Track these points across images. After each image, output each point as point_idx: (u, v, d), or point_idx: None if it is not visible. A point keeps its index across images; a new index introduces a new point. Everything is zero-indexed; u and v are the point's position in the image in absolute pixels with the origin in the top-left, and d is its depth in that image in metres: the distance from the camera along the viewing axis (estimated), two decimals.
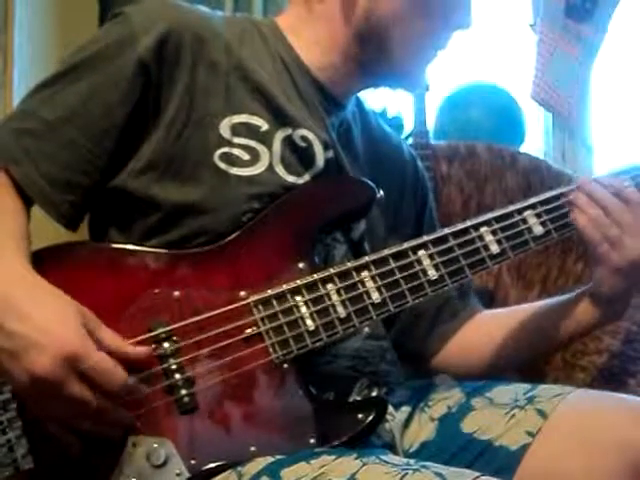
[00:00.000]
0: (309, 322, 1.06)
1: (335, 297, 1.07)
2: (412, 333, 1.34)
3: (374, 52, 1.19)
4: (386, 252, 1.11)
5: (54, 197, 1.09)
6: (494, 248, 1.14)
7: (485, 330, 1.33)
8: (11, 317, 0.94)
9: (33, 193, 1.09)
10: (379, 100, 2.18)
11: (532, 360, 1.31)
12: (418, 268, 1.11)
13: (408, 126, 2.18)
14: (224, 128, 1.12)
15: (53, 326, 0.94)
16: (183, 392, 1.01)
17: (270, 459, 0.98)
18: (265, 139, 1.14)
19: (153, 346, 1.02)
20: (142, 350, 1.00)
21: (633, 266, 1.15)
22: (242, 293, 1.06)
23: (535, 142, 2.39)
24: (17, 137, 1.09)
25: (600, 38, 2.22)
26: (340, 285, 1.08)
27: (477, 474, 0.89)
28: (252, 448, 1.00)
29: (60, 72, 1.11)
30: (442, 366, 1.35)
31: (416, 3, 1.16)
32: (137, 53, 1.08)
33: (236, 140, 1.13)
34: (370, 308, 1.08)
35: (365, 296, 1.08)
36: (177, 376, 1.01)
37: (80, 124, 1.09)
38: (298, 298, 1.06)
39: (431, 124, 2.23)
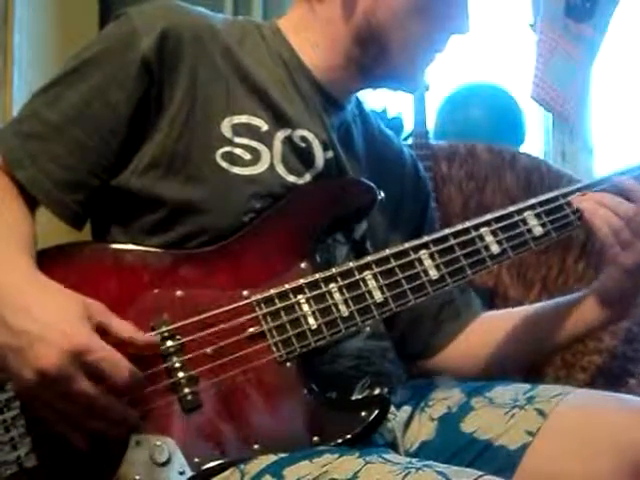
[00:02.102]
0: (311, 321, 1.06)
1: (337, 296, 1.08)
2: (415, 333, 1.34)
3: (374, 54, 1.20)
4: (387, 252, 1.11)
5: (61, 198, 1.10)
6: (494, 248, 1.14)
7: (489, 331, 1.34)
8: (16, 314, 0.95)
9: (40, 196, 1.09)
10: (379, 100, 2.18)
11: (534, 361, 1.31)
12: (419, 268, 1.11)
13: (408, 126, 2.18)
14: (225, 128, 1.13)
15: (58, 322, 0.94)
16: (186, 390, 1.01)
17: (273, 457, 0.98)
18: (265, 139, 1.15)
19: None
20: (151, 338, 1.00)
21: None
22: (244, 292, 1.06)
23: (535, 142, 2.40)
24: (22, 140, 1.10)
25: (600, 38, 2.22)
26: (342, 284, 1.08)
27: (480, 473, 0.89)
28: (255, 446, 1.00)
29: (63, 73, 1.12)
30: (443, 366, 1.35)
31: (415, 6, 1.17)
32: (140, 52, 1.09)
33: (237, 140, 1.13)
34: (372, 307, 1.08)
35: (367, 295, 1.08)
36: (180, 374, 1.02)
37: (85, 124, 1.09)
38: (300, 297, 1.07)
39: (431, 124, 2.23)
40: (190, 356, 1.02)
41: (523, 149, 2.20)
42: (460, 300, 1.36)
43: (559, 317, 1.27)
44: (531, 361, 1.31)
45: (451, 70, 2.26)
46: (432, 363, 1.36)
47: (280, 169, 1.15)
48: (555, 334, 1.27)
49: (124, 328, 0.99)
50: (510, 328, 1.31)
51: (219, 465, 0.99)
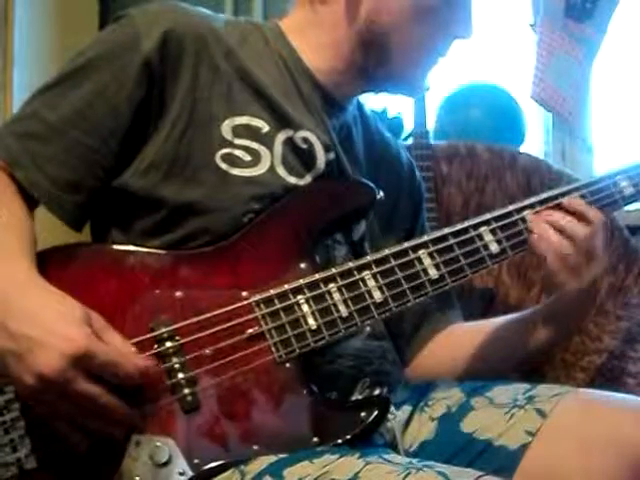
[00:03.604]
0: (311, 321, 1.06)
1: (337, 296, 1.08)
2: (395, 340, 1.32)
3: (375, 57, 1.20)
4: (387, 251, 1.11)
5: (60, 199, 1.10)
6: (493, 247, 1.15)
7: (455, 342, 1.33)
8: (15, 318, 0.95)
9: (39, 196, 1.09)
10: (379, 100, 2.18)
11: (500, 373, 1.29)
12: (419, 267, 1.11)
13: (408, 126, 2.19)
14: (226, 129, 1.13)
15: (58, 326, 0.94)
16: (186, 391, 1.01)
17: (273, 458, 0.98)
18: (266, 140, 1.15)
19: (155, 345, 1.02)
20: (148, 363, 1.00)
21: (587, 291, 1.17)
22: (244, 293, 1.06)
23: (535, 142, 2.39)
24: (21, 140, 1.09)
25: (600, 38, 2.22)
26: (341, 284, 1.08)
27: (480, 473, 0.90)
28: (255, 447, 1.00)
29: (64, 74, 1.12)
30: (414, 374, 1.34)
31: (418, 10, 1.17)
32: (141, 54, 1.09)
33: (237, 141, 1.13)
34: (372, 307, 1.08)
35: (367, 295, 1.09)
36: (180, 375, 1.01)
37: (85, 125, 1.09)
38: (300, 297, 1.07)
39: (431, 124, 2.23)
40: (189, 357, 1.02)
41: (523, 149, 2.20)
42: (439, 311, 1.35)
43: (515, 335, 1.27)
44: (494, 373, 1.29)
45: (451, 70, 2.26)
46: (407, 371, 1.35)
47: (281, 170, 1.15)
48: (511, 351, 1.28)
49: (119, 342, 0.98)
50: (474, 342, 1.30)
51: (219, 466, 0.99)
